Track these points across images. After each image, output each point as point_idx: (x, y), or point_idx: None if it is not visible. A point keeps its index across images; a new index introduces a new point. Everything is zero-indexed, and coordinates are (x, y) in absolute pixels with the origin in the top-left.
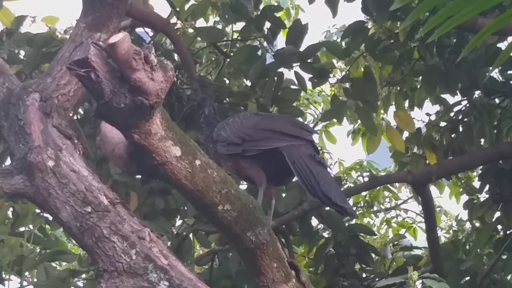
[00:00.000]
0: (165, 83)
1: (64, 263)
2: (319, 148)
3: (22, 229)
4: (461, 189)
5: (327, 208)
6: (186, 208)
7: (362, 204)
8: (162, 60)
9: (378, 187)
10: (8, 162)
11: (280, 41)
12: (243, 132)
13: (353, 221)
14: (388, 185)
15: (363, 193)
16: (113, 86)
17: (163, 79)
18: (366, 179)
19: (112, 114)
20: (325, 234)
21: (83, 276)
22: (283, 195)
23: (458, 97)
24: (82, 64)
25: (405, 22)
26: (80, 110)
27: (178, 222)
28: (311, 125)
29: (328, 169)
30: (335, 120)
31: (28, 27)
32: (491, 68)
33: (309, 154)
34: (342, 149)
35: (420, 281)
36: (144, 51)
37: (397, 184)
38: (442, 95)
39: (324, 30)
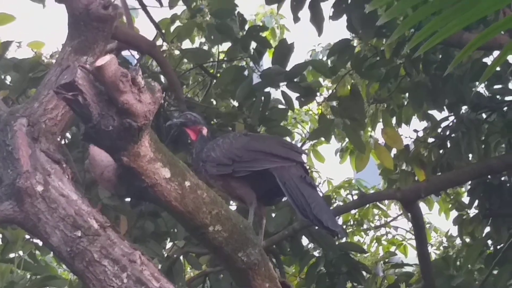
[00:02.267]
0: (153, 105)
1: None
2: (308, 168)
3: (12, 255)
4: (450, 205)
5: (317, 228)
6: (176, 230)
7: (351, 222)
8: (149, 81)
9: (368, 205)
10: None
11: (266, 61)
12: (233, 153)
13: (344, 240)
14: (378, 203)
15: (353, 211)
16: (100, 109)
17: (151, 100)
18: (355, 197)
19: (100, 137)
20: (316, 253)
21: None
22: (273, 215)
23: (445, 113)
24: (69, 88)
25: (391, 38)
26: (68, 134)
27: (169, 244)
28: (299, 144)
29: (318, 191)
30: (323, 138)
31: (14, 53)
32: (477, 83)
33: (300, 176)
34: (330, 168)
35: None
36: (131, 73)
37: (386, 202)
38: (429, 111)
39: (309, 48)
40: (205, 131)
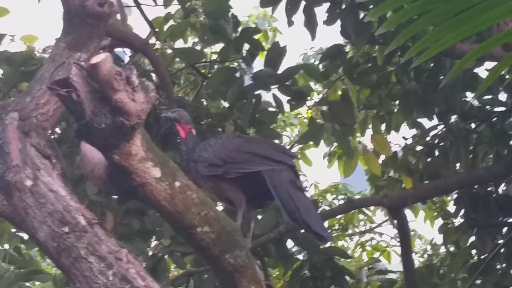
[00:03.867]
0: (146, 104)
1: (38, 283)
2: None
3: None
4: (435, 213)
5: (303, 231)
6: (162, 229)
7: (337, 227)
8: (143, 81)
9: (353, 210)
10: None
11: (257, 64)
12: (225, 154)
13: (328, 244)
14: (363, 208)
15: (338, 216)
16: (94, 107)
17: (144, 100)
18: (342, 202)
19: (93, 134)
20: (300, 257)
21: None
22: (259, 217)
23: (434, 121)
24: (63, 84)
25: (389, 48)
26: (58, 130)
27: (154, 242)
28: (287, 147)
29: (308, 196)
30: (311, 142)
31: (6, 46)
32: (467, 93)
33: (290, 180)
34: (317, 172)
35: None
36: (125, 72)
37: (372, 207)
38: (419, 119)
39: (301, 52)
40: (194, 131)
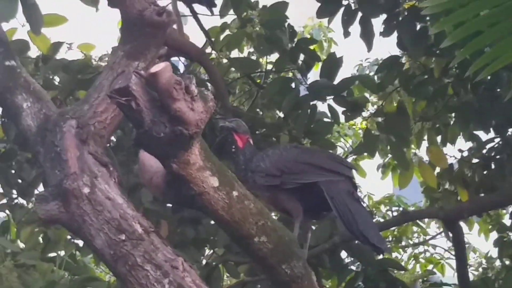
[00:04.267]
0: (205, 114)
1: None
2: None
3: (52, 254)
4: (490, 226)
5: (358, 242)
6: (216, 238)
7: (390, 239)
8: (202, 90)
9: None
10: (41, 187)
11: (312, 74)
12: (283, 165)
13: (382, 256)
14: (418, 220)
15: (392, 228)
16: (153, 115)
17: (203, 109)
18: (395, 213)
19: (152, 143)
20: (354, 268)
21: None
22: (314, 227)
23: (491, 134)
24: (123, 93)
25: (454, 61)
26: (113, 138)
27: (208, 251)
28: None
29: (366, 207)
30: (365, 153)
31: (64, 54)
32: None
33: (348, 191)
34: (371, 183)
35: None
36: (185, 81)
37: (426, 220)
38: (475, 132)
39: (355, 63)
40: (251, 141)
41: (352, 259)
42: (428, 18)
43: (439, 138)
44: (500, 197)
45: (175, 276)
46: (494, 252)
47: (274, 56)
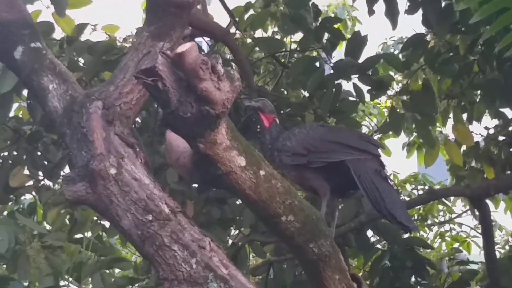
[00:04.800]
0: (231, 93)
1: (117, 271)
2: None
3: (78, 236)
4: None
5: (384, 220)
6: (242, 218)
7: (416, 217)
8: (229, 70)
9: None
10: (66, 169)
11: (337, 53)
12: (309, 143)
13: (408, 234)
14: (443, 199)
15: (418, 206)
16: (179, 95)
17: (230, 89)
18: (420, 192)
19: (178, 123)
20: (380, 246)
21: (139, 284)
22: (340, 206)
23: None
24: (149, 73)
25: (482, 37)
26: (138, 119)
27: (234, 231)
28: None
29: (393, 185)
30: (391, 132)
31: (88, 35)
32: None
33: (375, 169)
34: (395, 162)
35: None
36: (211, 61)
37: (452, 198)
38: (502, 109)
39: (379, 41)
40: (277, 120)
41: (378, 238)
42: None
43: (465, 116)
44: None
45: (202, 256)
46: None
47: (299, 36)
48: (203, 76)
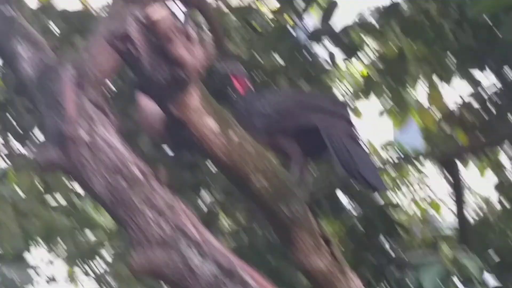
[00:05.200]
0: (204, 59)
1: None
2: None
3: (52, 202)
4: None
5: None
6: (215, 183)
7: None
8: (202, 36)
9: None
10: (38, 134)
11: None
12: (281, 108)
13: (381, 199)
14: (416, 162)
15: (390, 171)
16: (152, 61)
17: (203, 55)
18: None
19: (151, 88)
20: (354, 212)
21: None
22: (313, 171)
23: (493, 80)
24: (122, 39)
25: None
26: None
27: (206, 197)
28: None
29: (364, 147)
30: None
31: (63, 5)
32: None
33: (346, 132)
34: (371, 130)
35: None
36: (185, 26)
37: (424, 161)
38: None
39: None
40: (250, 84)
41: (351, 203)
42: None
43: (439, 82)
44: (497, 136)
45: (175, 220)
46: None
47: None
48: (177, 42)
